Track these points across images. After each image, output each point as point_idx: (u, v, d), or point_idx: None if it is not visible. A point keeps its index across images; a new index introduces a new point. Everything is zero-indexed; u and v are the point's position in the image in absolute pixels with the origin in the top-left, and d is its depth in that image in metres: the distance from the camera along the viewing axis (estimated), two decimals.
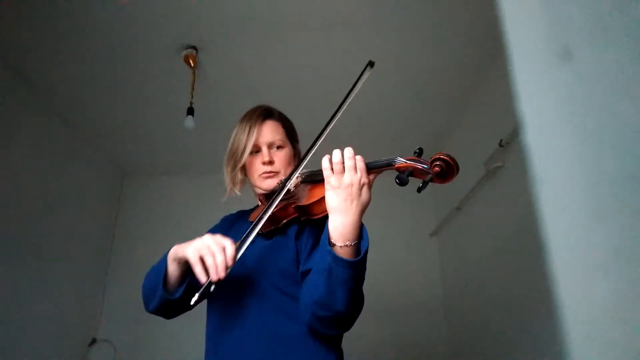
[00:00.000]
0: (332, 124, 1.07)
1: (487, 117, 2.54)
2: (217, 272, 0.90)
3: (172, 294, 1.04)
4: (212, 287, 0.91)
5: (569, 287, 0.29)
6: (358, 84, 1.06)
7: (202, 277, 0.91)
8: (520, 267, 2.11)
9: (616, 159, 0.27)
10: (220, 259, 0.91)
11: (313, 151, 1.07)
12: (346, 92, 1.07)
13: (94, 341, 3.07)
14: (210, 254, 0.92)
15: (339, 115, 1.07)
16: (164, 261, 1.05)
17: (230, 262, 0.92)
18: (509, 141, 2.18)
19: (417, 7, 2.07)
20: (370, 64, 1.07)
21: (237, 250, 0.96)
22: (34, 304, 2.57)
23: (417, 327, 3.15)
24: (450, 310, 3.11)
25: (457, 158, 0.91)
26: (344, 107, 1.07)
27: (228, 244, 0.94)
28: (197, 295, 0.92)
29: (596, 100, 0.29)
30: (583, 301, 0.28)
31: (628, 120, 0.27)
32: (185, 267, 1.01)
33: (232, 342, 1.02)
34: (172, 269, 1.03)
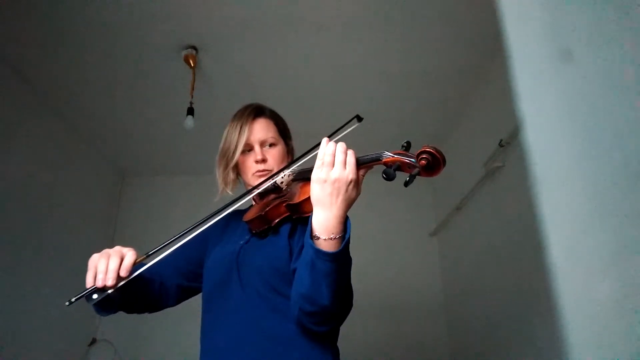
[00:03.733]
0: (305, 159, 1.11)
1: (487, 117, 2.54)
2: (104, 278, 0.87)
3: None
4: (96, 295, 0.87)
5: (569, 287, 0.29)
6: (341, 132, 1.10)
7: (89, 281, 0.88)
8: (520, 267, 2.11)
9: (616, 158, 0.27)
10: (112, 266, 0.88)
11: (312, 154, 1.08)
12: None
13: (94, 341, 3.07)
14: (105, 260, 0.89)
15: (312, 154, 1.10)
16: None
17: (123, 272, 0.89)
18: (509, 141, 2.18)
19: (417, 8, 2.07)
20: (358, 118, 1.11)
21: (143, 262, 0.92)
22: (34, 304, 2.57)
23: (417, 327, 3.15)
24: (450, 310, 3.11)
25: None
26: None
27: (129, 255, 0.91)
28: (74, 297, 0.87)
29: (596, 100, 0.29)
30: (583, 301, 0.28)
31: (628, 120, 0.27)
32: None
33: (227, 342, 1.02)
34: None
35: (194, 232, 1.01)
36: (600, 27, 0.30)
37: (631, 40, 0.29)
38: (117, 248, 0.93)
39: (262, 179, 1.16)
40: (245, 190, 1.25)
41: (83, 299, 0.87)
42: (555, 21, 0.32)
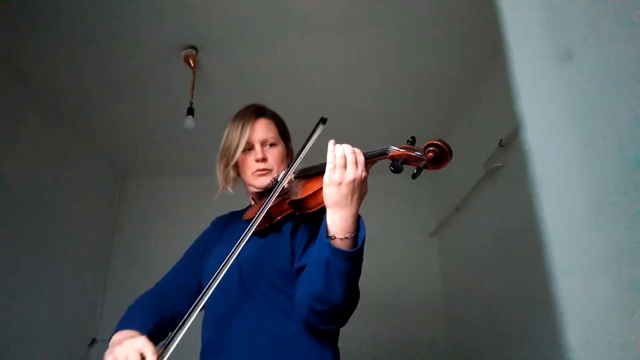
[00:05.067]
0: (289, 176, 1.09)
1: (487, 117, 2.54)
2: None
3: None
4: None
5: (568, 286, 0.29)
6: (310, 141, 1.08)
7: None
8: (520, 267, 2.11)
9: (615, 159, 0.27)
10: None
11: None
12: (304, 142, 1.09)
13: (94, 341, 3.07)
14: None
15: (295, 166, 1.08)
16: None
17: None
18: (509, 141, 2.18)
19: (417, 7, 2.07)
20: (323, 120, 1.09)
21: (162, 355, 0.89)
22: (34, 304, 2.57)
23: (417, 327, 3.15)
24: (450, 310, 3.11)
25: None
26: (298, 162, 1.08)
27: (149, 354, 0.87)
28: None
29: (596, 100, 0.29)
30: (583, 301, 0.28)
31: (627, 120, 0.27)
32: None
33: (227, 341, 1.02)
34: None
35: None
36: (600, 27, 0.30)
37: (631, 40, 0.29)
38: (135, 348, 0.88)
39: (262, 178, 1.17)
40: (244, 189, 1.25)
41: None
42: (555, 21, 0.32)
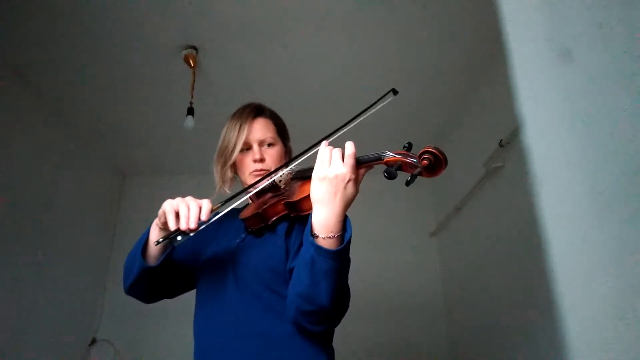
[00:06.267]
0: (340, 133, 1.08)
1: (487, 117, 2.53)
2: (188, 221, 0.91)
3: (151, 263, 1.05)
4: (179, 238, 0.91)
5: (569, 286, 0.29)
6: (374, 108, 1.09)
7: (172, 225, 0.93)
8: (520, 267, 2.11)
9: (616, 158, 0.27)
10: (194, 211, 0.93)
11: (310, 152, 1.07)
12: (360, 109, 1.08)
13: (94, 341, 3.07)
14: (185, 205, 0.94)
15: (348, 127, 1.09)
16: (146, 231, 1.09)
17: (204, 217, 0.93)
18: (509, 141, 2.18)
19: (417, 7, 2.07)
20: (394, 91, 1.09)
21: (216, 212, 0.97)
22: (34, 304, 2.57)
23: (417, 327, 3.15)
24: (450, 310, 3.11)
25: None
26: (356, 122, 1.09)
27: (205, 202, 0.96)
28: (161, 238, 0.95)
29: (596, 100, 0.29)
30: (583, 301, 0.28)
31: (627, 120, 0.27)
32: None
33: (221, 341, 1.02)
34: (154, 235, 1.04)
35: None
36: (600, 27, 0.30)
37: (630, 40, 0.29)
38: (191, 198, 0.98)
39: (259, 178, 1.16)
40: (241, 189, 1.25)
41: (168, 241, 0.94)
42: (555, 21, 0.32)
